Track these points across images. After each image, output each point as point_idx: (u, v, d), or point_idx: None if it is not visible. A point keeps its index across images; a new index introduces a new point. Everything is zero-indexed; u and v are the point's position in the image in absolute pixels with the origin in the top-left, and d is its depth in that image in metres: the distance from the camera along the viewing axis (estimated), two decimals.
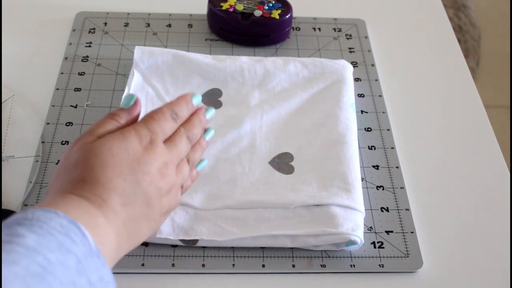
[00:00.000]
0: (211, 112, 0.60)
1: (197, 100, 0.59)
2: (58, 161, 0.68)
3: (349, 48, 0.85)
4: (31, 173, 0.66)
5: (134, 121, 0.56)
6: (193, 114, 0.59)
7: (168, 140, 0.55)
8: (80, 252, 0.43)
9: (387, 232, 0.63)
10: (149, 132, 0.53)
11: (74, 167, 0.50)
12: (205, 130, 0.60)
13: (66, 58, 0.81)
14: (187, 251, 0.60)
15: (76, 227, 0.44)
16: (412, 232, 0.63)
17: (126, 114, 0.55)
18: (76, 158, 0.51)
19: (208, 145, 0.61)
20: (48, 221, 0.43)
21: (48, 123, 0.72)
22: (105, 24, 0.87)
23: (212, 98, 0.73)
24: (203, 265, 0.60)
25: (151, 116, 0.55)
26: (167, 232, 0.60)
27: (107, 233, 0.47)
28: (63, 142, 0.70)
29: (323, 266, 0.60)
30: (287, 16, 0.83)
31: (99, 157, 0.50)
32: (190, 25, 0.88)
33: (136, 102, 0.56)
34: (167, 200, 0.54)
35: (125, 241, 0.50)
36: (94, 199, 0.48)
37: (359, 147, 0.71)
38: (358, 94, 0.78)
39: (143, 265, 0.59)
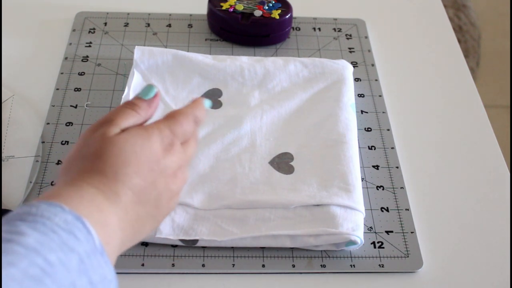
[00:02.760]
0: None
1: (208, 105, 0.59)
2: (59, 161, 0.68)
3: (349, 48, 0.85)
4: (31, 173, 0.66)
5: (152, 114, 0.55)
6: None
7: (184, 142, 0.55)
8: (83, 250, 0.42)
9: (387, 232, 0.63)
10: (171, 134, 0.53)
11: (93, 157, 0.49)
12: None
13: (66, 58, 0.81)
14: (187, 251, 0.60)
15: (81, 223, 0.43)
16: (412, 232, 0.63)
17: (146, 106, 0.54)
18: (97, 149, 0.49)
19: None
20: (52, 217, 0.42)
21: (48, 123, 0.72)
22: (105, 24, 0.87)
23: (212, 98, 0.73)
24: (203, 265, 0.60)
25: (175, 117, 0.54)
26: (167, 232, 0.60)
27: (114, 231, 0.47)
28: (63, 142, 0.70)
29: (323, 266, 0.60)
30: (287, 16, 0.83)
31: (122, 153, 0.49)
32: (190, 25, 0.88)
33: (156, 95, 0.55)
34: (174, 202, 0.54)
35: (128, 239, 0.49)
36: (109, 194, 0.47)
37: (359, 147, 0.71)
38: (358, 94, 0.78)
39: (143, 265, 0.59)
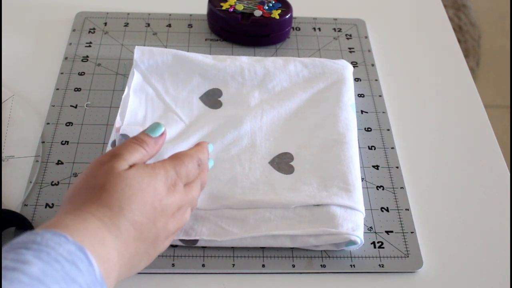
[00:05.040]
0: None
1: (211, 149, 0.62)
2: (59, 161, 0.68)
3: (349, 48, 0.85)
4: (31, 173, 0.66)
5: (157, 151, 0.57)
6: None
7: (187, 185, 0.56)
8: (84, 282, 0.43)
9: (387, 232, 0.63)
10: (176, 175, 0.54)
11: (101, 189, 0.50)
12: None
13: (66, 58, 0.81)
14: (187, 251, 0.60)
15: (83, 254, 0.44)
16: (412, 232, 0.63)
17: (153, 143, 0.56)
18: (105, 182, 0.50)
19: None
20: (57, 247, 0.43)
21: (48, 123, 0.72)
22: (105, 24, 0.87)
23: (212, 98, 0.73)
24: (203, 265, 0.60)
25: (181, 158, 0.55)
26: None
27: (114, 265, 0.47)
28: (63, 142, 0.70)
29: (323, 266, 0.60)
30: (287, 16, 0.83)
31: (129, 188, 0.50)
32: (190, 25, 0.88)
33: (163, 133, 0.57)
34: (169, 241, 0.55)
35: (124, 273, 0.50)
36: (112, 228, 0.48)
37: (359, 147, 0.71)
38: (358, 94, 0.78)
39: None
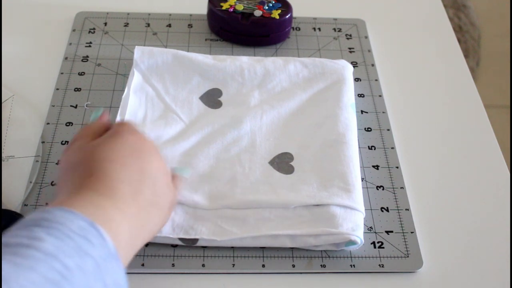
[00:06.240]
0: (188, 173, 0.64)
1: (188, 175, 0.63)
2: (59, 161, 0.68)
3: (349, 48, 0.85)
4: (31, 173, 0.66)
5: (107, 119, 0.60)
6: None
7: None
8: (98, 255, 0.43)
9: (387, 232, 0.63)
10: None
11: (78, 165, 0.52)
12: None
13: (66, 58, 0.81)
14: (187, 251, 0.60)
15: (95, 229, 0.44)
16: (412, 232, 0.63)
17: (100, 121, 0.59)
18: (80, 157, 0.53)
19: None
20: (68, 223, 0.43)
21: (48, 123, 0.72)
22: (105, 24, 0.87)
23: (212, 98, 0.73)
24: (203, 265, 0.60)
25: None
26: (167, 231, 0.60)
27: (120, 223, 0.48)
28: (63, 142, 0.70)
29: (323, 266, 0.60)
30: (287, 16, 0.83)
31: (103, 153, 0.52)
32: (190, 25, 0.88)
33: (102, 114, 0.61)
34: (171, 188, 0.56)
35: (137, 232, 0.50)
36: (104, 191, 0.49)
37: (359, 147, 0.71)
38: (358, 94, 0.78)
39: (143, 265, 0.59)
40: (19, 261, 0.39)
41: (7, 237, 0.42)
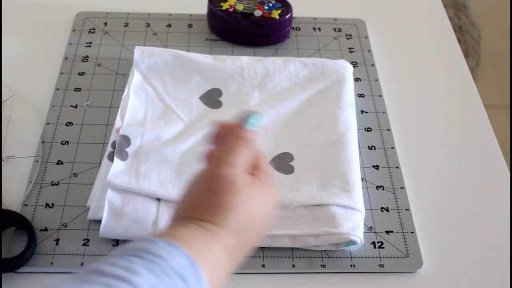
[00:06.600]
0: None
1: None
2: (59, 161, 0.68)
3: (349, 48, 0.85)
4: (31, 173, 0.66)
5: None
6: None
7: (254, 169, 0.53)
8: None
9: (387, 232, 0.63)
10: (265, 174, 0.51)
11: (209, 193, 0.49)
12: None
13: (66, 58, 0.81)
14: None
15: (194, 269, 0.43)
16: (412, 232, 0.63)
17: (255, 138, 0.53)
18: (215, 187, 0.49)
19: None
20: (169, 259, 0.42)
21: (48, 123, 0.72)
22: (105, 24, 0.87)
23: (212, 98, 0.73)
24: None
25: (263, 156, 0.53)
26: None
27: (223, 271, 0.46)
28: (63, 142, 0.70)
29: (323, 266, 0.60)
30: (287, 16, 0.83)
31: (239, 204, 0.48)
32: (190, 25, 0.88)
33: (262, 126, 0.54)
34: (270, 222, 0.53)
35: (233, 264, 0.48)
36: (214, 230, 0.47)
37: (359, 147, 0.71)
38: (358, 94, 0.78)
39: None
40: None
41: (105, 264, 0.40)
